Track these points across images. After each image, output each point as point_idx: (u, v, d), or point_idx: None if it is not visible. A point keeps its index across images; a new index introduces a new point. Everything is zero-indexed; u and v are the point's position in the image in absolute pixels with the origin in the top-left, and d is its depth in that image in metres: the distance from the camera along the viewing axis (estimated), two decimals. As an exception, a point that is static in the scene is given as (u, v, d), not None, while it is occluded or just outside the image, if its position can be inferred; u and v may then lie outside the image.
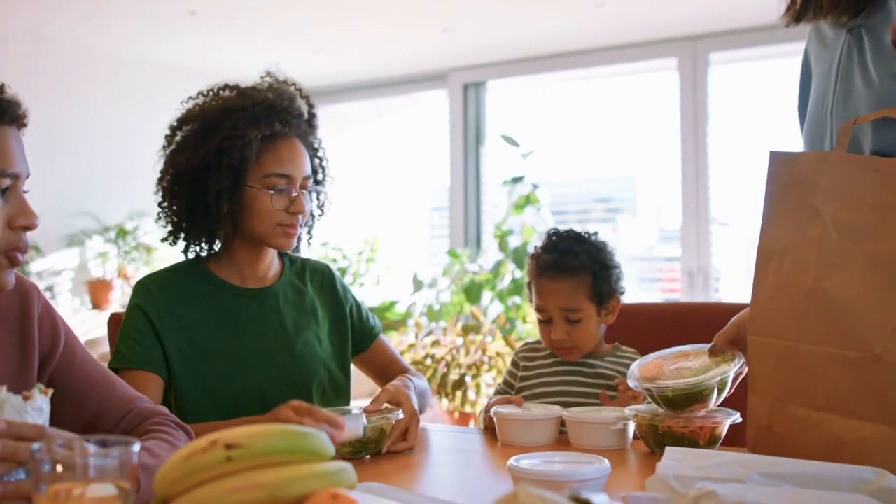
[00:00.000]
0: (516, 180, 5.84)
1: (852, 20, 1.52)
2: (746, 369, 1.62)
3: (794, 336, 1.45)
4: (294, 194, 1.83)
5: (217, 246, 1.89)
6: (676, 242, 5.63)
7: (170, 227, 1.88)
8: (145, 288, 1.83)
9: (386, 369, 2.06)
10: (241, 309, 1.87)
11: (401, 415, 1.68)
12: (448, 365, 4.35)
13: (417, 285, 6.01)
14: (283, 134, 1.84)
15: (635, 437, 1.71)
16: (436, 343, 4.55)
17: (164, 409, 1.48)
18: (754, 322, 1.53)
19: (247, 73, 7.02)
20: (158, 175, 1.88)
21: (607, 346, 2.03)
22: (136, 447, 0.89)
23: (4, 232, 1.26)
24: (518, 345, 3.49)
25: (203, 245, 1.88)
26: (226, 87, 1.86)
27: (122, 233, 5.62)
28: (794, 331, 1.45)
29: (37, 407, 1.04)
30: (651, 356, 1.74)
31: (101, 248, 5.64)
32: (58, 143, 5.42)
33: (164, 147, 1.88)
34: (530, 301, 2.04)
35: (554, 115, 6.11)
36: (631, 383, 1.67)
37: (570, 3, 4.90)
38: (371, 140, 6.85)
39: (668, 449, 1.22)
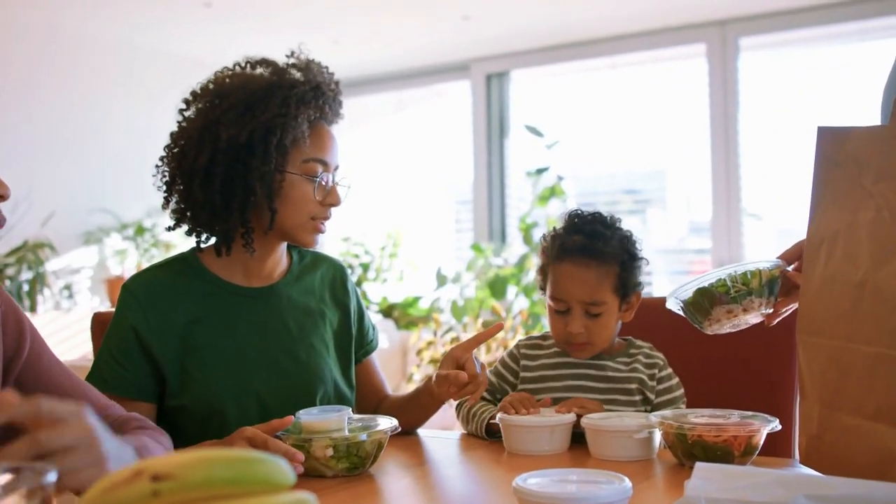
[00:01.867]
0: (541, 172, 5.69)
1: None
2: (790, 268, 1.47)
3: (843, 335, 1.27)
4: (329, 184, 1.68)
5: (228, 244, 1.68)
6: (707, 234, 5.45)
7: (190, 214, 1.66)
8: (132, 296, 1.64)
9: (372, 390, 1.89)
10: (240, 310, 1.69)
11: (396, 427, 1.51)
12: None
13: (441, 280, 5.87)
14: (325, 118, 1.69)
15: (662, 445, 1.55)
16: (455, 340, 4.40)
17: (138, 416, 1.35)
18: (802, 319, 1.35)
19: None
20: (175, 153, 1.66)
21: (619, 343, 1.83)
22: (52, 476, 0.74)
23: None
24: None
25: (223, 239, 1.66)
26: (263, 61, 1.68)
27: (140, 230, 5.53)
28: (844, 329, 1.27)
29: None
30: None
31: (120, 246, 5.54)
32: (73, 138, 5.33)
33: (181, 122, 1.68)
34: (541, 288, 1.83)
35: (579, 104, 5.95)
36: (670, 302, 1.52)
37: (594, -12, 4.74)
38: (393, 133, 6.71)
39: (697, 465, 1.05)
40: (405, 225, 6.47)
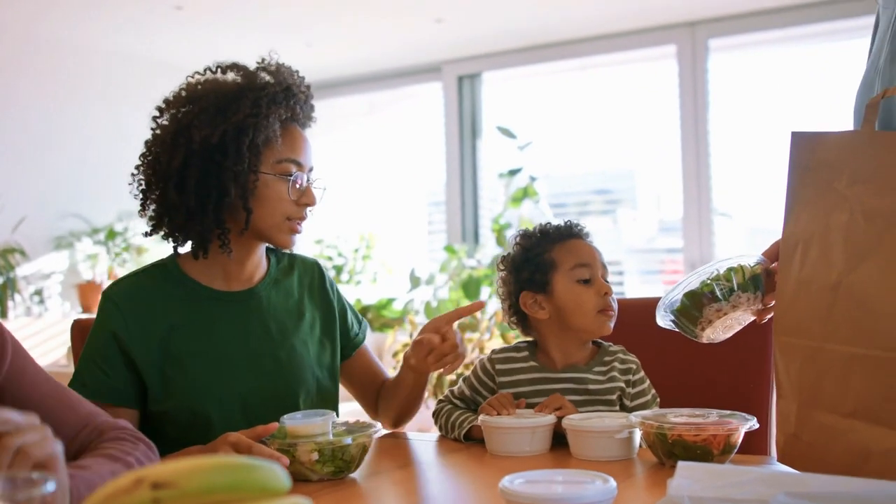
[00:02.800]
0: (513, 173, 5.71)
1: None
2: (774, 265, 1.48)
3: (819, 335, 1.30)
4: (304, 184, 1.70)
5: (204, 247, 1.69)
6: (678, 234, 5.51)
7: (167, 219, 1.67)
8: (112, 303, 1.65)
9: (369, 382, 1.91)
10: (220, 314, 1.70)
11: (380, 430, 1.53)
12: (444, 364, 4.22)
13: (415, 282, 5.88)
14: (296, 119, 1.71)
15: (642, 445, 1.57)
16: (431, 341, 4.41)
17: (125, 423, 1.35)
18: (779, 321, 1.38)
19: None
20: (149, 159, 1.68)
21: (591, 349, 1.83)
22: (51, 486, 0.75)
23: None
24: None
25: (198, 242, 1.67)
26: (233, 65, 1.70)
27: (111, 234, 5.49)
28: (820, 330, 1.30)
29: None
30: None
31: (91, 251, 5.50)
32: (44, 142, 5.29)
33: (155, 129, 1.69)
34: (523, 290, 1.82)
35: (550, 105, 5.98)
36: (659, 318, 1.55)
37: (565, -10, 4.77)
38: (365, 135, 6.71)
39: (680, 464, 1.07)
40: (378, 227, 6.47)
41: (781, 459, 1.35)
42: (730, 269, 1.46)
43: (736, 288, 1.45)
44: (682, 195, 5.35)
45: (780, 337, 1.36)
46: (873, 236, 1.25)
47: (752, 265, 1.47)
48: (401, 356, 4.58)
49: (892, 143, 1.26)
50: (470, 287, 5.49)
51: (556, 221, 1.87)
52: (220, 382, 1.65)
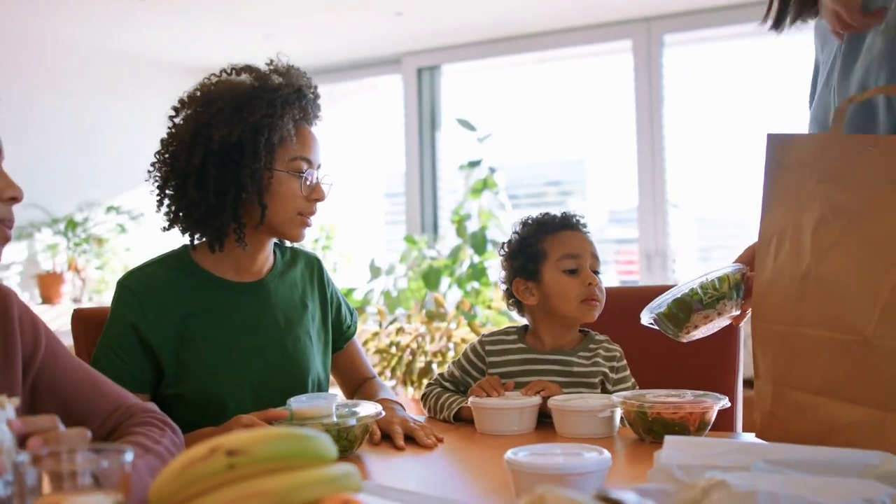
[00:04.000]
0: (473, 164, 5.80)
1: None
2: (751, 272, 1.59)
3: (791, 321, 1.43)
4: (314, 181, 1.79)
5: (220, 241, 1.77)
6: (628, 224, 5.64)
7: (185, 214, 1.75)
8: (129, 292, 1.73)
9: (354, 374, 2.01)
10: (232, 304, 1.79)
11: (381, 410, 1.62)
12: (413, 353, 4.31)
13: (375, 272, 5.95)
14: (307, 118, 1.81)
15: (622, 424, 1.68)
16: (400, 331, 4.50)
17: (153, 406, 1.43)
18: (756, 308, 1.50)
19: (198, 59, 6.88)
20: (167, 158, 1.76)
21: (578, 336, 1.96)
22: (129, 456, 0.83)
23: None
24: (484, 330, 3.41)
25: (215, 237, 1.75)
26: (246, 67, 1.79)
27: (71, 224, 5.48)
28: (792, 315, 1.43)
29: (8, 414, 0.98)
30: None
31: (51, 241, 5.49)
32: (2, 131, 5.25)
33: (171, 129, 1.77)
34: (516, 276, 1.95)
35: (509, 98, 6.08)
36: (645, 317, 1.65)
37: (525, -15, 4.87)
38: (324, 126, 6.74)
39: (668, 438, 1.18)
40: (338, 217, 6.53)
41: (759, 434, 1.47)
42: (715, 279, 1.57)
43: (722, 296, 1.57)
44: (637, 186, 5.48)
45: (758, 323, 1.49)
46: (838, 230, 1.38)
47: (733, 272, 1.59)
48: (370, 345, 4.66)
49: (857, 145, 1.38)
50: (430, 277, 5.57)
51: (555, 211, 1.99)
52: (233, 368, 1.73)
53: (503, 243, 2.02)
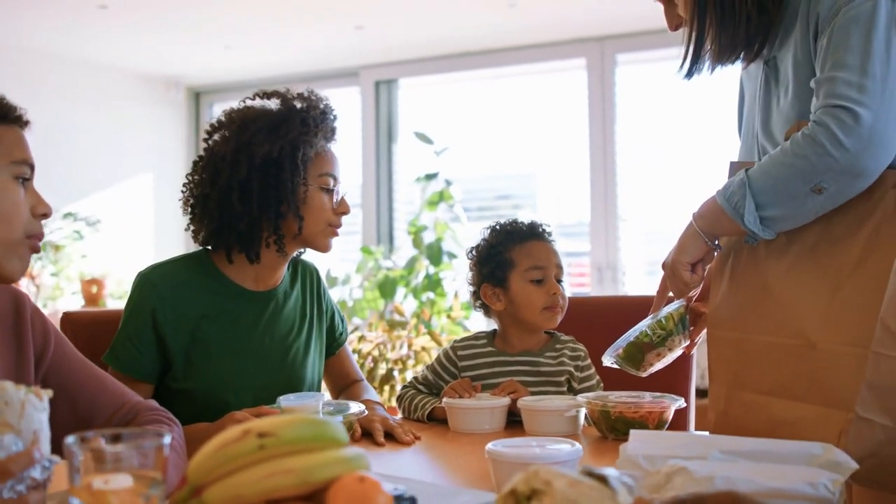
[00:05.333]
0: (430, 177, 5.91)
1: (756, 59, 1.65)
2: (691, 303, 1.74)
3: (743, 328, 1.57)
4: (339, 195, 1.90)
5: (249, 253, 1.87)
6: (577, 238, 5.77)
7: (227, 228, 1.84)
8: (150, 285, 1.83)
9: (343, 377, 2.12)
10: (245, 310, 1.90)
11: (364, 409, 1.74)
12: (375, 360, 4.41)
13: (331, 282, 6.02)
14: (332, 138, 1.93)
15: (586, 423, 1.81)
16: (362, 339, 4.60)
17: (155, 404, 1.52)
18: (711, 317, 1.65)
19: (158, 68, 6.86)
20: (204, 177, 1.86)
21: (545, 338, 2.08)
22: (167, 439, 0.93)
23: (28, 219, 1.37)
24: (446, 339, 3.54)
25: (247, 248, 1.85)
26: (274, 92, 1.91)
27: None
28: (744, 323, 1.57)
29: (44, 406, 1.07)
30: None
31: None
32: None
33: (208, 149, 1.88)
34: (484, 282, 2.06)
35: (466, 112, 6.21)
36: (606, 360, 1.77)
37: (482, 3, 5.00)
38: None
39: (633, 432, 1.30)
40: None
41: (713, 432, 1.61)
42: (661, 318, 1.71)
43: (669, 333, 1.70)
44: (590, 201, 5.64)
45: (712, 330, 1.63)
46: (794, 254, 1.53)
47: (677, 308, 1.72)
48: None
49: None
50: (386, 287, 5.67)
51: (523, 219, 2.11)
52: (239, 372, 1.85)
53: (471, 247, 2.13)
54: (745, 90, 1.81)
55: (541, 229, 2.10)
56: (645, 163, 5.61)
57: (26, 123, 1.42)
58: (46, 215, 1.40)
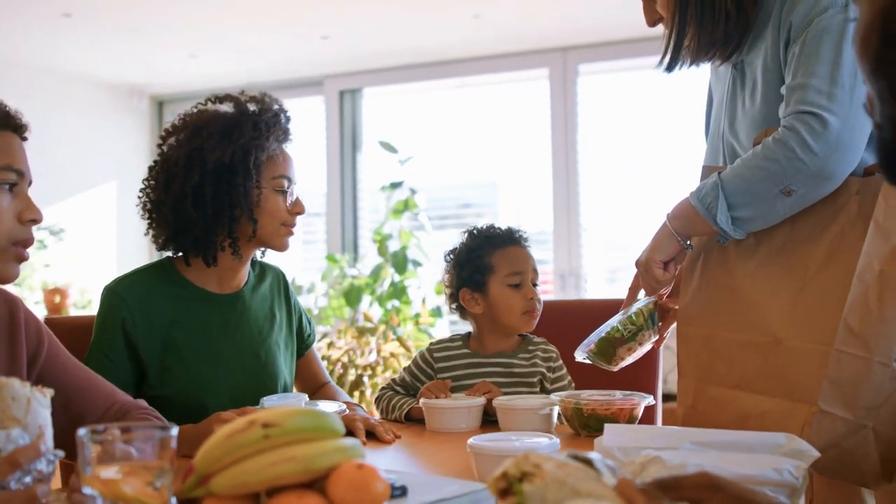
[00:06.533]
0: (395, 186, 5.95)
1: (728, 61, 1.74)
2: (662, 299, 1.82)
3: (712, 325, 1.65)
4: (294, 196, 1.94)
5: (206, 256, 1.91)
6: (541, 246, 5.84)
7: (182, 233, 1.87)
8: (117, 297, 1.85)
9: (312, 379, 2.16)
10: (213, 314, 1.93)
11: (345, 408, 1.79)
12: (345, 366, 4.45)
13: (296, 290, 6.04)
14: (285, 140, 1.96)
15: (559, 421, 1.87)
16: (331, 345, 4.64)
17: (144, 403, 1.56)
18: (682, 314, 1.72)
19: (123, 76, 6.82)
20: (159, 182, 1.89)
21: (517, 340, 2.14)
22: (174, 430, 0.98)
23: (14, 225, 1.38)
24: (413, 346, 3.59)
25: (203, 252, 1.89)
26: (227, 96, 1.94)
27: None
28: (713, 320, 1.65)
29: (48, 402, 1.11)
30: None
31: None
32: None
33: (161, 155, 1.92)
34: (463, 286, 2.12)
35: (429, 121, 6.26)
36: (578, 355, 1.84)
37: (446, 14, 5.06)
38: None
39: (607, 426, 1.37)
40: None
41: (683, 426, 1.67)
42: (630, 314, 1.79)
43: (640, 328, 1.78)
44: (553, 210, 5.72)
45: (682, 327, 1.70)
46: (762, 255, 1.62)
47: (646, 304, 1.80)
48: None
49: None
50: (351, 295, 5.70)
51: (501, 224, 2.18)
52: (213, 374, 1.88)
53: (449, 251, 2.19)
54: (713, 93, 1.88)
55: (518, 235, 2.16)
56: (606, 172, 5.70)
57: (17, 128, 1.44)
58: (35, 221, 1.41)
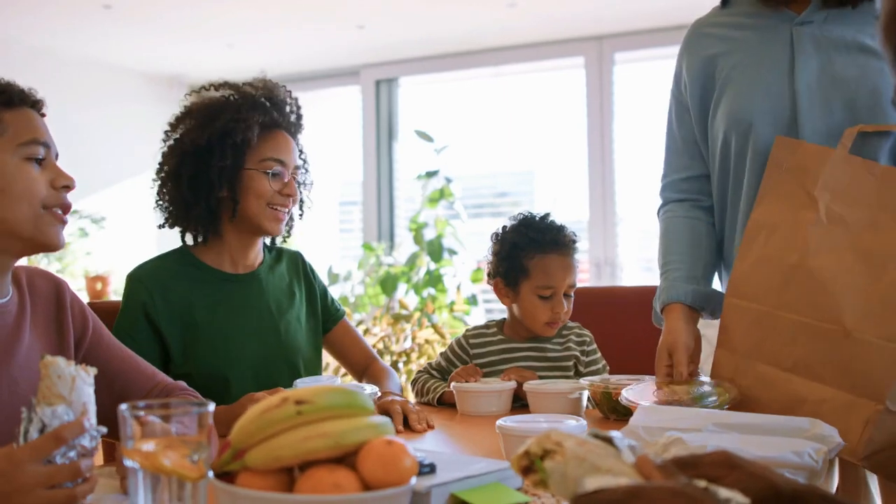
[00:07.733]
0: (430, 174, 5.98)
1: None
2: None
3: (772, 303, 1.63)
4: (286, 179, 1.98)
5: (205, 233, 2.01)
6: (578, 236, 5.83)
7: (169, 211, 1.99)
8: (138, 282, 1.94)
9: (349, 350, 2.20)
10: (231, 293, 2.01)
11: (377, 391, 1.84)
12: (380, 353, 4.51)
13: (333, 278, 6.10)
14: (278, 124, 2.01)
15: (589, 405, 1.90)
16: (367, 332, 4.70)
17: (184, 384, 1.62)
18: (734, 286, 1.71)
19: (162, 67, 6.90)
20: (159, 163, 2.00)
21: None
22: (212, 407, 1.02)
23: (48, 192, 1.42)
24: (448, 333, 3.63)
25: (199, 230, 1.99)
26: (224, 84, 2.00)
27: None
28: (774, 298, 1.63)
29: (91, 381, 1.16)
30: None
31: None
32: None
33: (165, 140, 2.01)
34: (499, 276, 2.13)
35: (465, 111, 6.28)
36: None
37: (482, 2, 5.07)
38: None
39: (640, 406, 1.40)
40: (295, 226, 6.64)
41: None
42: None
43: None
44: (588, 200, 5.72)
45: (732, 299, 1.69)
46: (835, 236, 1.59)
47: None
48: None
49: (860, 167, 1.60)
50: (387, 283, 5.76)
51: (553, 221, 2.16)
52: (234, 351, 1.96)
53: (497, 232, 2.20)
54: (727, 59, 1.90)
55: (563, 241, 2.13)
56: (642, 161, 5.69)
57: (36, 104, 1.47)
58: (69, 187, 1.45)
